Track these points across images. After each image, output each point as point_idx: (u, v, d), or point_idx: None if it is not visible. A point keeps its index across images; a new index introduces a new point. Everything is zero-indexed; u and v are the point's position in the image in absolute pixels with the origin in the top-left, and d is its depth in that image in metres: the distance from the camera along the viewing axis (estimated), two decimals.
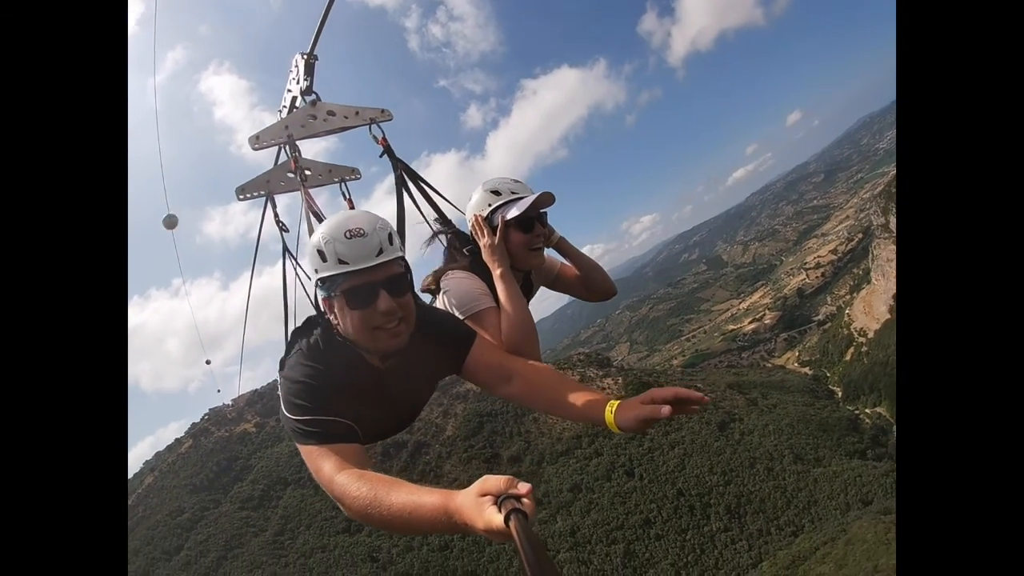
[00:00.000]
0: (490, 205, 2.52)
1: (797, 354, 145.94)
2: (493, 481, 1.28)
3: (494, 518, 1.20)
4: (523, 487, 1.23)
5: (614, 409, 1.81)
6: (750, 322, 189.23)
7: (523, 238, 2.50)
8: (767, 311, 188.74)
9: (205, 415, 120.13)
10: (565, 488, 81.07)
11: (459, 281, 2.48)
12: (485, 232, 2.47)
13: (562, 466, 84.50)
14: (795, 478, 76.23)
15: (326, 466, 1.71)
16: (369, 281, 1.81)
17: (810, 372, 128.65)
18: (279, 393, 1.92)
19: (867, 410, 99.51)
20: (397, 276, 1.86)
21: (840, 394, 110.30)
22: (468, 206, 2.62)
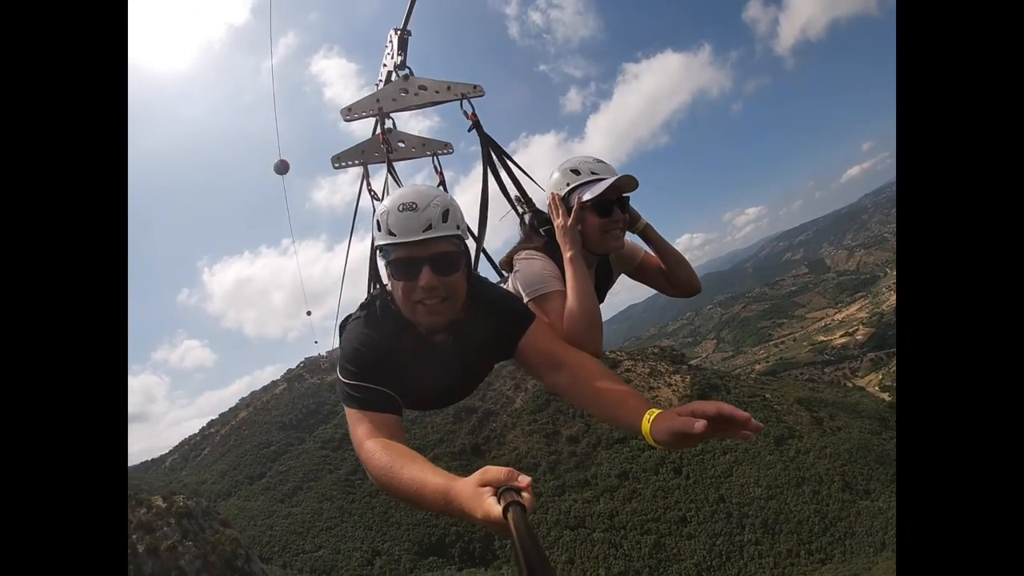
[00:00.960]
0: (568, 185, 2.41)
1: (880, 377, 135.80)
2: (494, 472, 1.25)
3: (493, 509, 1.18)
4: (523, 480, 1.21)
5: (652, 419, 1.62)
6: (841, 335, 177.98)
7: (599, 222, 2.37)
8: (861, 326, 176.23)
9: (301, 363, 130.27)
10: (614, 474, 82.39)
11: (530, 262, 2.40)
12: (560, 212, 2.36)
13: (615, 452, 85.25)
14: (839, 506, 73.95)
15: (360, 430, 1.78)
16: (414, 255, 1.81)
17: (888, 399, 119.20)
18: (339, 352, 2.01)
19: None
20: (445, 254, 1.84)
21: None
22: (547, 184, 2.55)
